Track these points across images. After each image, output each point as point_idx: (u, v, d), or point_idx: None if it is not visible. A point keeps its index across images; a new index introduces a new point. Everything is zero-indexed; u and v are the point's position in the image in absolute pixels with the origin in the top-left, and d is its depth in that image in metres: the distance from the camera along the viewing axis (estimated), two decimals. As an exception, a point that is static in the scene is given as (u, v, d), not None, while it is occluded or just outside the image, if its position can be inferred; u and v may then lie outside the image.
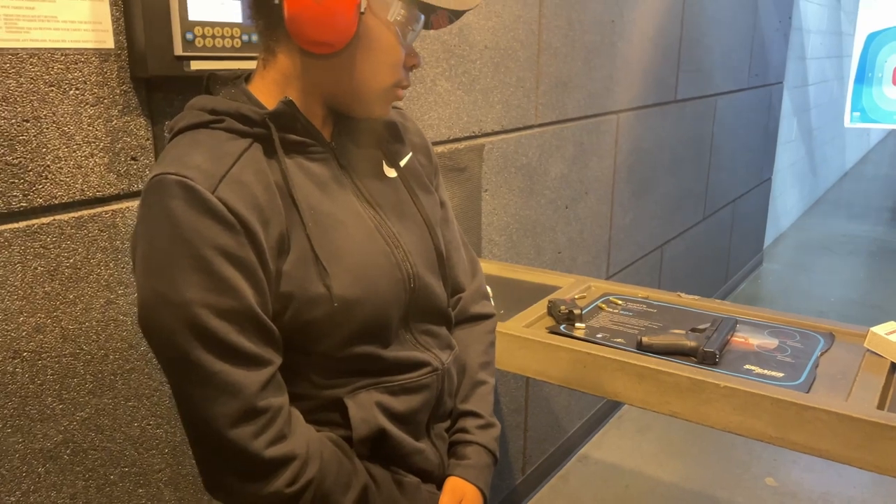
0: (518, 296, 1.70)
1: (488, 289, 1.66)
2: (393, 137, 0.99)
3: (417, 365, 0.93)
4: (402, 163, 0.98)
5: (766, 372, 1.26)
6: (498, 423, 1.06)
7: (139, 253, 0.78)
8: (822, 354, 1.35)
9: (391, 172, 0.96)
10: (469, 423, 1.03)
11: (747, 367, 1.28)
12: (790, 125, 5.81)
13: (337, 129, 0.91)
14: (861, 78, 7.09)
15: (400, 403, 0.92)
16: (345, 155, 0.90)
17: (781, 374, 1.25)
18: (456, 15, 0.91)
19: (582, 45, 2.37)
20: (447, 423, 1.03)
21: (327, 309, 0.82)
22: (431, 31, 1.71)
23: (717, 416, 1.21)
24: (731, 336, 1.41)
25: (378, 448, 0.91)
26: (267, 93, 0.85)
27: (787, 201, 6.13)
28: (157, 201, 0.76)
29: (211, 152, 0.78)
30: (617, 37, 2.59)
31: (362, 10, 0.79)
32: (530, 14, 2.08)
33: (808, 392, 1.19)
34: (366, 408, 0.88)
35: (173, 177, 0.75)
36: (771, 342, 1.40)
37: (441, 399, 0.98)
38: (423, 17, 0.88)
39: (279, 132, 0.83)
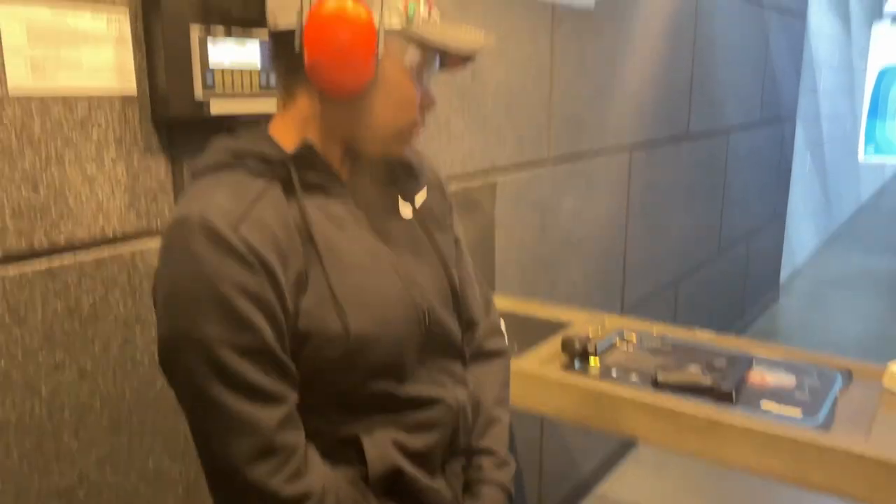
0: (532, 332, 1.69)
1: (503, 324, 1.66)
2: (408, 176, 1.00)
3: (433, 402, 0.93)
4: (418, 201, 0.99)
5: (783, 410, 1.25)
6: (513, 462, 1.06)
7: (161, 291, 0.80)
8: (840, 392, 1.33)
9: (407, 210, 0.98)
10: (484, 461, 1.02)
11: (764, 405, 1.27)
12: (803, 159, 5.80)
13: (354, 168, 0.92)
14: (874, 112, 7.10)
15: (415, 440, 0.91)
16: (361, 194, 0.92)
17: (799, 413, 1.24)
18: (469, 57, 0.93)
19: (593, 82, 2.40)
20: (462, 461, 1.03)
21: (344, 346, 0.83)
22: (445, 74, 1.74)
23: (736, 455, 1.20)
24: (748, 373, 1.40)
25: (393, 486, 0.91)
26: (287, 134, 0.87)
27: (802, 236, 6.09)
28: (180, 240, 0.78)
29: (232, 192, 0.80)
30: (628, 74, 2.62)
31: (380, 55, 0.81)
32: (542, 53, 2.11)
33: (827, 431, 1.18)
34: (382, 445, 0.88)
35: (195, 216, 0.77)
36: (788, 379, 1.38)
37: (456, 436, 0.98)
38: (438, 60, 0.90)
39: (298, 172, 0.85)
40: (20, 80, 0.98)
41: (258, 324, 0.78)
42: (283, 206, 0.83)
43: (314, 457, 0.85)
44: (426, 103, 0.91)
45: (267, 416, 0.79)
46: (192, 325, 0.76)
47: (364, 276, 0.86)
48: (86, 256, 1.08)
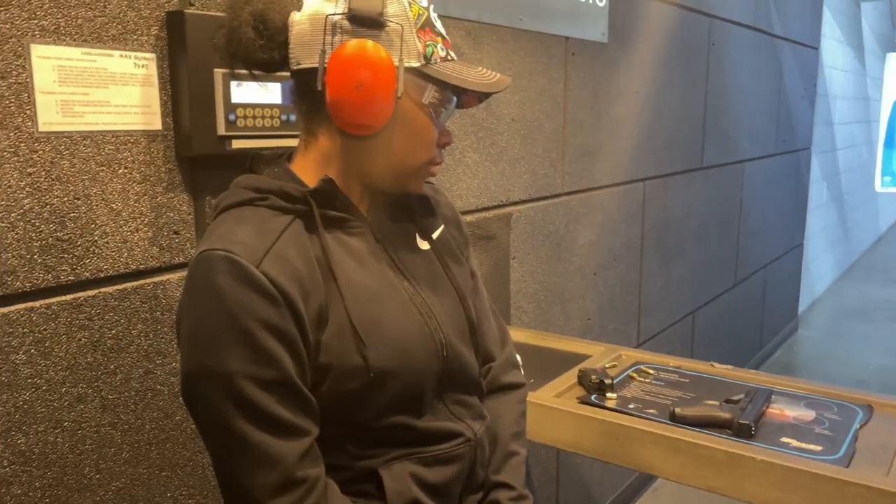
0: (547, 364, 1.69)
1: (518, 357, 1.66)
2: (425, 211, 1.02)
3: (451, 435, 0.94)
4: (435, 235, 1.01)
5: (803, 445, 1.24)
6: (530, 496, 1.05)
7: (185, 326, 0.82)
8: (860, 427, 1.32)
9: (424, 245, 0.99)
10: (502, 495, 1.02)
11: (784, 439, 1.26)
12: (820, 190, 5.78)
13: (373, 204, 0.94)
14: (890, 143, 7.07)
15: (433, 474, 0.92)
16: (380, 229, 0.94)
17: (820, 448, 1.22)
18: (485, 95, 0.95)
19: (607, 115, 2.43)
20: (479, 495, 1.02)
21: (364, 379, 0.84)
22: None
23: (756, 490, 1.18)
24: (767, 407, 1.38)
25: None
26: (308, 171, 0.90)
27: (820, 266, 6.04)
28: (204, 276, 0.79)
29: (255, 228, 0.82)
30: (642, 107, 2.64)
31: (399, 95, 0.84)
32: (556, 87, 2.14)
33: (847, 467, 1.16)
34: (400, 479, 0.89)
35: (220, 252, 0.79)
36: (808, 414, 1.37)
37: (474, 470, 0.98)
38: (455, 98, 0.92)
39: (319, 208, 0.86)
40: (50, 118, 1.01)
41: (281, 358, 0.79)
42: (304, 241, 0.85)
43: (334, 490, 0.85)
44: (444, 141, 0.93)
45: (289, 449, 0.80)
46: (216, 359, 0.78)
47: (383, 310, 0.88)
48: (110, 289, 1.10)
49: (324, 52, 0.83)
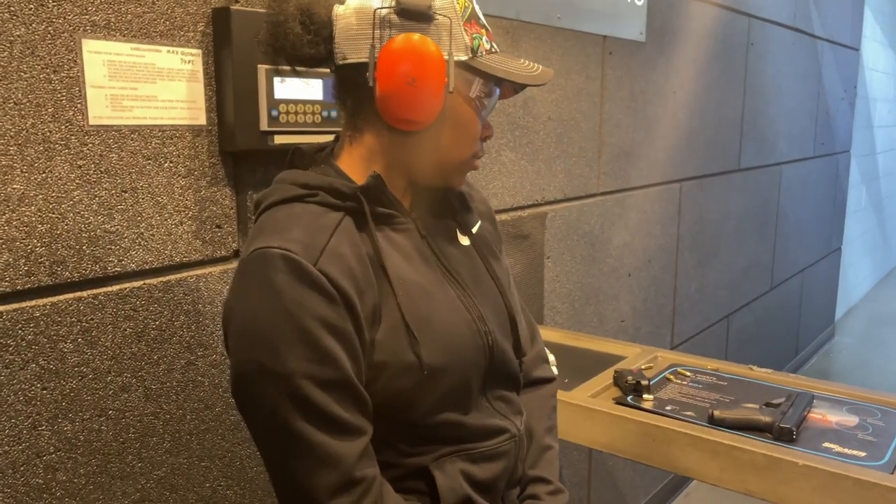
0: (582, 365, 1.68)
1: (549, 354, 1.65)
2: (463, 206, 1.02)
3: (497, 432, 0.94)
4: (474, 230, 1.01)
5: (846, 451, 1.21)
6: (566, 490, 1.05)
7: (236, 324, 0.81)
8: (906, 434, 1.29)
9: (465, 241, 0.99)
10: (539, 489, 1.02)
11: (826, 445, 1.23)
12: (859, 194, 5.67)
13: (415, 200, 0.94)
14: (933, 146, 6.89)
15: (481, 471, 0.91)
16: (424, 225, 0.93)
17: (863, 454, 1.20)
18: (521, 86, 0.95)
19: (644, 115, 2.40)
20: (517, 490, 1.02)
21: (417, 377, 0.83)
22: (497, 104, 1.77)
23: (797, 496, 1.16)
24: (808, 412, 1.36)
25: None
26: (354, 167, 0.89)
27: (858, 272, 5.92)
28: (260, 273, 0.78)
29: (309, 226, 0.82)
30: (679, 107, 2.62)
31: (450, 89, 0.83)
32: (592, 87, 2.12)
33: (892, 473, 1.14)
34: (452, 477, 0.89)
35: (276, 250, 0.77)
36: (850, 419, 1.34)
37: (517, 465, 0.98)
38: (497, 90, 0.92)
39: (369, 205, 0.86)
40: (100, 112, 1.04)
41: (339, 357, 0.78)
42: (356, 238, 0.84)
43: (389, 490, 0.85)
44: (486, 134, 0.93)
45: (348, 449, 0.79)
46: (274, 358, 0.77)
47: (433, 307, 0.87)
48: (154, 281, 1.12)
49: (373, 46, 0.82)
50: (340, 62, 0.86)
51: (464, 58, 0.85)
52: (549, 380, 1.13)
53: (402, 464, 0.88)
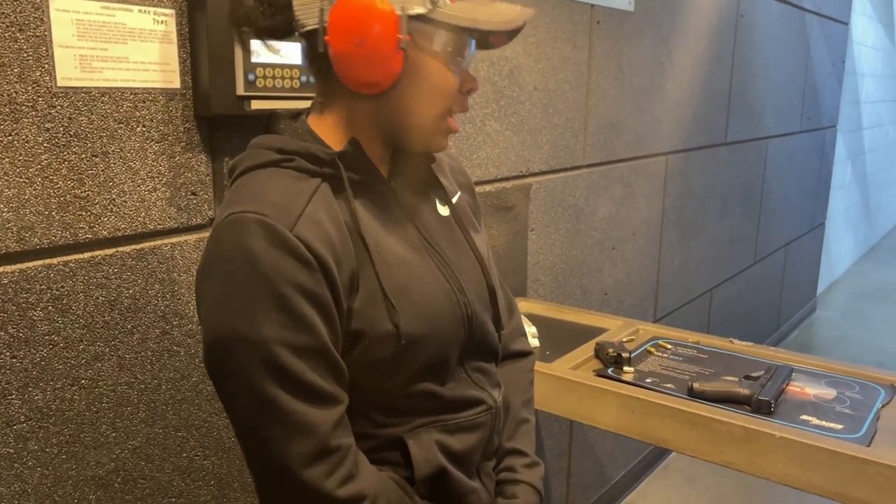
0: (564, 337, 1.68)
1: (530, 327, 1.65)
2: (443, 176, 1.00)
3: (473, 403, 0.93)
4: (454, 200, 0.99)
5: (823, 423, 1.22)
6: (542, 462, 1.05)
7: (210, 290, 0.79)
8: (882, 407, 1.30)
9: (444, 211, 0.97)
10: (516, 461, 1.02)
11: (804, 417, 1.24)
12: (844, 169, 5.69)
13: (394, 168, 0.92)
14: (919, 122, 6.91)
15: (457, 442, 0.91)
16: (402, 194, 0.91)
17: (840, 426, 1.21)
18: (513, 33, 0.88)
19: (631, 87, 2.38)
20: (493, 462, 1.02)
21: (395, 347, 0.82)
22: (482, 73, 1.74)
23: (773, 467, 1.17)
24: (787, 385, 1.37)
25: (436, 488, 0.90)
26: (329, 134, 0.87)
27: (841, 247, 5.97)
28: (234, 238, 0.76)
29: (285, 191, 0.79)
30: (666, 79, 2.59)
31: (402, 46, 0.78)
32: (580, 56, 2.09)
33: (868, 446, 1.15)
34: (427, 447, 0.88)
35: (252, 215, 0.76)
36: (828, 392, 1.35)
37: (492, 437, 0.97)
38: (472, 41, 0.86)
39: (346, 172, 0.84)
40: (69, 73, 1.00)
41: (316, 324, 0.77)
42: (333, 205, 0.82)
43: (364, 459, 0.84)
44: (468, 87, 0.87)
45: (323, 417, 0.78)
46: (249, 325, 0.75)
47: (412, 277, 0.86)
48: (127, 249, 1.10)
49: (322, 10, 0.79)
50: (301, 30, 0.83)
51: (421, 10, 0.79)
52: (527, 353, 1.13)
53: (378, 434, 0.87)
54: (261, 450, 0.79)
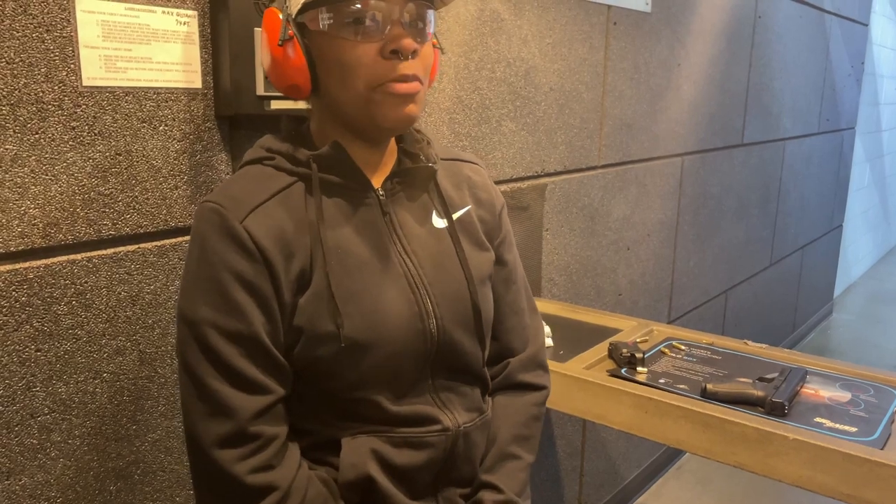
0: (578, 337, 1.69)
1: (545, 326, 1.65)
2: (455, 189, 0.99)
3: (426, 420, 0.90)
4: (456, 215, 0.96)
5: (837, 426, 1.22)
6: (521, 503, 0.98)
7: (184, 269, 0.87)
8: (898, 410, 1.29)
9: (440, 223, 0.95)
10: (486, 496, 0.95)
11: (818, 419, 1.24)
12: (862, 171, 5.63)
13: (392, 176, 0.92)
14: (939, 124, 6.83)
15: (400, 456, 0.89)
16: (392, 202, 0.91)
17: (854, 429, 1.21)
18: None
19: (647, 87, 2.38)
20: (467, 490, 0.97)
21: (334, 348, 0.83)
22: (498, 73, 1.75)
23: (786, 469, 1.17)
24: (801, 387, 1.37)
25: (368, 498, 0.88)
26: (321, 135, 0.92)
27: (858, 250, 5.91)
28: (196, 225, 0.84)
29: (252, 185, 0.86)
30: (683, 80, 2.59)
31: (280, 42, 0.83)
32: (596, 57, 2.10)
33: (882, 449, 1.14)
34: (358, 453, 0.87)
35: (210, 204, 0.83)
36: (843, 395, 1.35)
37: (453, 462, 0.93)
38: (358, 4, 0.80)
39: (324, 173, 0.87)
40: (94, 73, 1.02)
41: (249, 312, 0.81)
42: (300, 203, 0.86)
43: (292, 454, 0.85)
44: (390, 48, 0.80)
45: (245, 402, 0.81)
46: (191, 305, 0.82)
47: (370, 282, 0.86)
48: (149, 245, 1.12)
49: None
50: None
51: (301, 1, 0.82)
52: (538, 387, 1.06)
53: (320, 433, 0.88)
54: (185, 422, 0.85)
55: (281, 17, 0.84)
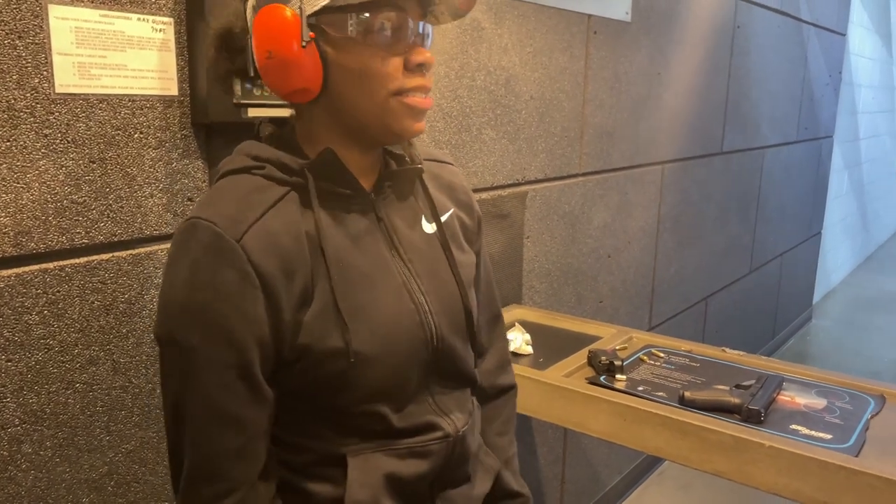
0: (558, 344, 1.69)
1: (524, 334, 1.66)
2: (438, 191, 0.98)
3: (428, 428, 0.90)
4: (443, 218, 0.96)
5: (813, 433, 1.23)
6: (528, 495, 1.09)
7: (162, 288, 0.80)
8: (872, 417, 1.31)
9: (429, 228, 0.94)
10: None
11: (794, 426, 1.25)
12: (841, 179, 5.71)
13: (380, 180, 0.90)
14: (915, 133, 6.94)
15: (407, 467, 0.88)
16: (383, 207, 0.89)
17: (829, 436, 1.22)
18: (455, 10, 0.86)
19: (627, 96, 2.40)
20: (463, 488, 0.98)
21: (344, 364, 0.81)
22: (479, 82, 1.75)
23: (762, 476, 1.18)
24: (777, 394, 1.38)
25: None
26: (310, 143, 0.86)
27: (837, 257, 5.98)
28: (185, 244, 0.77)
29: (244, 199, 0.79)
30: (663, 89, 2.61)
31: (304, 44, 0.77)
32: (576, 66, 2.11)
33: (857, 456, 1.15)
34: (369, 473, 0.86)
35: (203, 222, 0.76)
36: (819, 402, 1.36)
37: (451, 465, 0.93)
38: (393, 13, 0.80)
39: (318, 181, 0.83)
40: (67, 80, 1.01)
41: (243, 342, 0.77)
42: (296, 215, 0.81)
43: (264, 494, 0.83)
44: (415, 60, 0.81)
45: (225, 441, 0.79)
46: (178, 330, 0.77)
47: (372, 294, 0.84)
48: (123, 254, 1.10)
49: (249, 35, 0.81)
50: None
51: (324, 2, 0.77)
52: (512, 385, 1.13)
53: (321, 449, 0.86)
54: (168, 445, 0.84)
55: (299, 15, 0.77)
